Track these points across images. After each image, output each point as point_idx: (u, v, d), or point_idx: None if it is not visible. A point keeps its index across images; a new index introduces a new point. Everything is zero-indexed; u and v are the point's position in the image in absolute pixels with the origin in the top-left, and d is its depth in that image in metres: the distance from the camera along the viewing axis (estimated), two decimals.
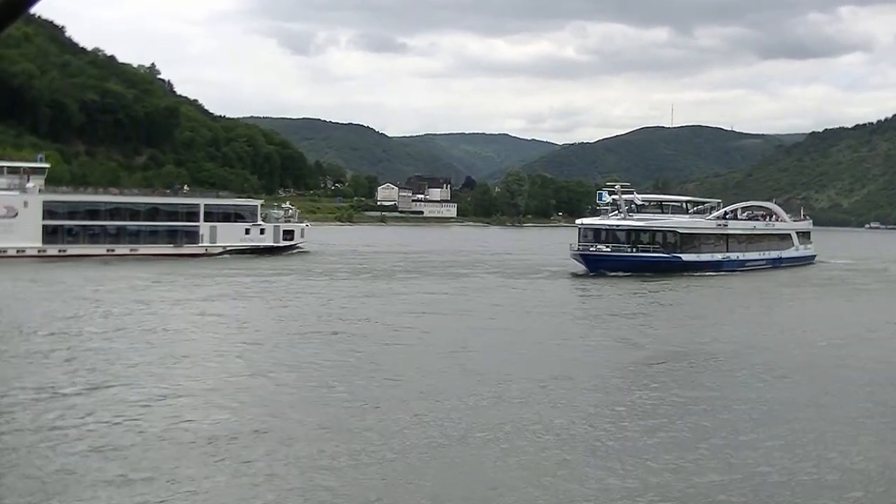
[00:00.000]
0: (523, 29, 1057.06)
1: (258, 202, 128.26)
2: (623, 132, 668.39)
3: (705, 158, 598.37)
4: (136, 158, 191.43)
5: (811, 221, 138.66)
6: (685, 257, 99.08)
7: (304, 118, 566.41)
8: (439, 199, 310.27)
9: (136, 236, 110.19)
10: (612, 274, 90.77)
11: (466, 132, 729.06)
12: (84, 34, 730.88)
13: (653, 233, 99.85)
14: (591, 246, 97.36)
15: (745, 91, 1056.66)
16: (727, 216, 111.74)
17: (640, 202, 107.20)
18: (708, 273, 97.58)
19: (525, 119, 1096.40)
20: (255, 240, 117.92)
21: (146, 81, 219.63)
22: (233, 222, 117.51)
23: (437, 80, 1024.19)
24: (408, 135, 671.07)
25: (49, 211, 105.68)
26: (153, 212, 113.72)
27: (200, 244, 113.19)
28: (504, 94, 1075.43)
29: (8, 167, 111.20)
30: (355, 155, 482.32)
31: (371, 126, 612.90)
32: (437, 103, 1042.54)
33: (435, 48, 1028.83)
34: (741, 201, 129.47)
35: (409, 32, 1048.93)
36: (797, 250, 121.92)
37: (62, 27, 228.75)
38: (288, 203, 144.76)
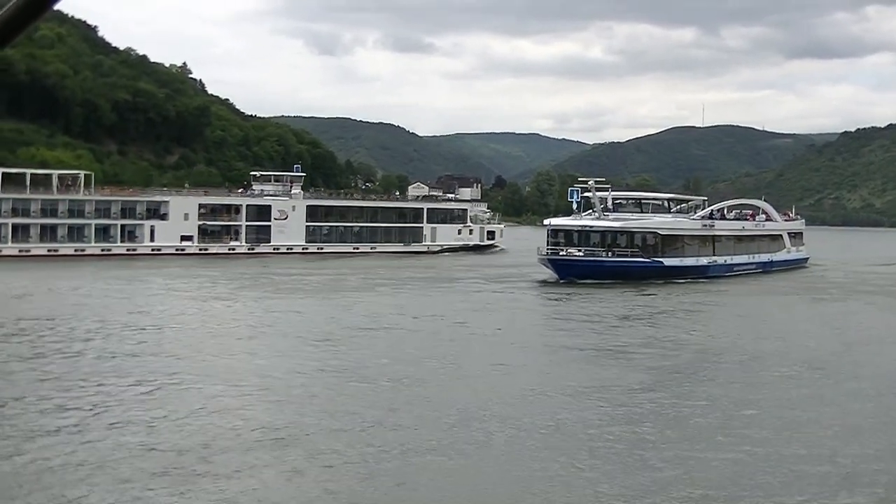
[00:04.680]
0: (547, 29, 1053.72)
1: (468, 205, 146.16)
2: (653, 132, 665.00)
3: (736, 158, 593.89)
4: (168, 158, 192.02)
5: (803, 221, 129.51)
6: (667, 262, 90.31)
7: (334, 117, 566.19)
8: (469, 198, 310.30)
9: (374, 235, 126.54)
10: (583, 281, 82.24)
11: (496, 132, 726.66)
12: (116, 34, 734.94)
13: (631, 234, 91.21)
14: (561, 249, 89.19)
15: (774, 91, 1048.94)
16: (713, 215, 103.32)
17: (609, 200, 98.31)
18: (692, 279, 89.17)
19: (552, 119, 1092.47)
20: (465, 239, 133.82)
21: (178, 81, 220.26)
22: (448, 223, 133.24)
23: (465, 80, 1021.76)
24: (438, 134, 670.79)
25: (310, 214, 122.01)
26: (387, 214, 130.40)
27: (424, 243, 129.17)
28: (531, 94, 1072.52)
29: (274, 176, 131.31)
30: (386, 154, 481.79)
31: (401, 125, 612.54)
32: (466, 103, 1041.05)
33: (459, 49, 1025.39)
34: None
35: (434, 33, 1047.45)
36: (789, 252, 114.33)
37: (95, 27, 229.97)
38: (485, 206, 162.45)
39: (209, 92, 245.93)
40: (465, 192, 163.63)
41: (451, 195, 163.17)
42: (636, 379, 38.43)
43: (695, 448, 27.81)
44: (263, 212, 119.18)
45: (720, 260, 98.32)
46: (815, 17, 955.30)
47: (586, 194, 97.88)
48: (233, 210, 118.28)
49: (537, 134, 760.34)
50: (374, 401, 33.15)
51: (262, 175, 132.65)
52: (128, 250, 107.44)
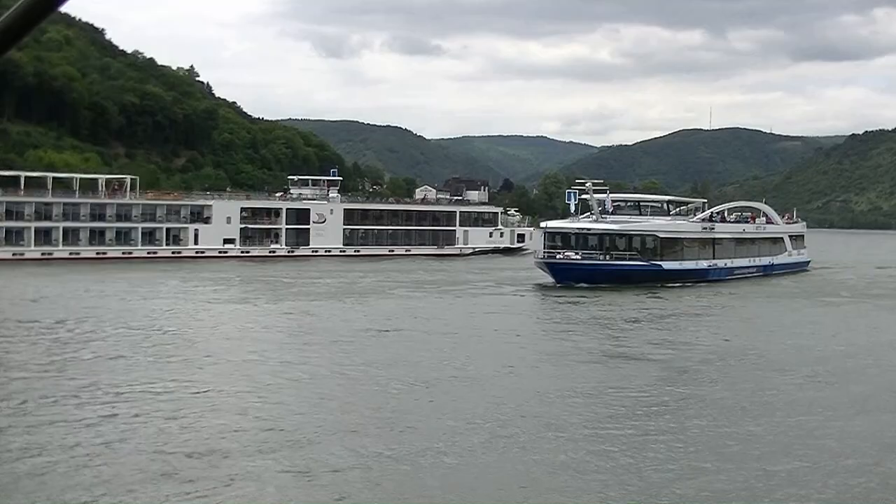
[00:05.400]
0: (555, 32, 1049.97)
1: (498, 209, 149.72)
2: (660, 134, 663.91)
3: (744, 161, 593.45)
4: (175, 160, 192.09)
5: (804, 223, 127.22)
6: (666, 265, 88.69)
7: (341, 120, 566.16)
8: (477, 200, 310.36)
9: (408, 238, 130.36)
10: (580, 285, 79.92)
11: (504, 134, 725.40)
12: (124, 37, 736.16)
13: (629, 237, 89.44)
14: (558, 253, 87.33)
15: (782, 93, 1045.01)
16: (713, 218, 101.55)
17: (607, 202, 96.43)
18: (692, 283, 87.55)
19: (560, 122, 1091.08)
20: (496, 241, 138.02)
21: (185, 84, 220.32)
22: (480, 227, 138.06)
23: (473, 83, 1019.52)
24: (445, 137, 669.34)
25: (347, 217, 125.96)
26: (421, 217, 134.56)
27: (456, 245, 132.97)
28: (539, 96, 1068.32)
29: (311, 179, 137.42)
30: (393, 157, 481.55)
31: (408, 128, 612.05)
32: (473, 105, 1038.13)
33: (468, 51, 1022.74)
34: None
35: (441, 35, 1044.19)
36: (790, 256, 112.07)
37: (102, 30, 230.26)
38: (513, 210, 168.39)
39: (216, 95, 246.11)
40: (473, 195, 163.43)
41: (458, 197, 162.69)
42: (639, 385, 38.35)
43: (705, 458, 27.75)
44: (302, 215, 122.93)
45: (720, 263, 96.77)
46: (822, 19, 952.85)
47: (584, 196, 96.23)
48: (273, 213, 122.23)
49: (545, 137, 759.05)
50: (386, 404, 33.20)
51: (299, 179, 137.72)
52: (173, 253, 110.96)
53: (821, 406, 34.91)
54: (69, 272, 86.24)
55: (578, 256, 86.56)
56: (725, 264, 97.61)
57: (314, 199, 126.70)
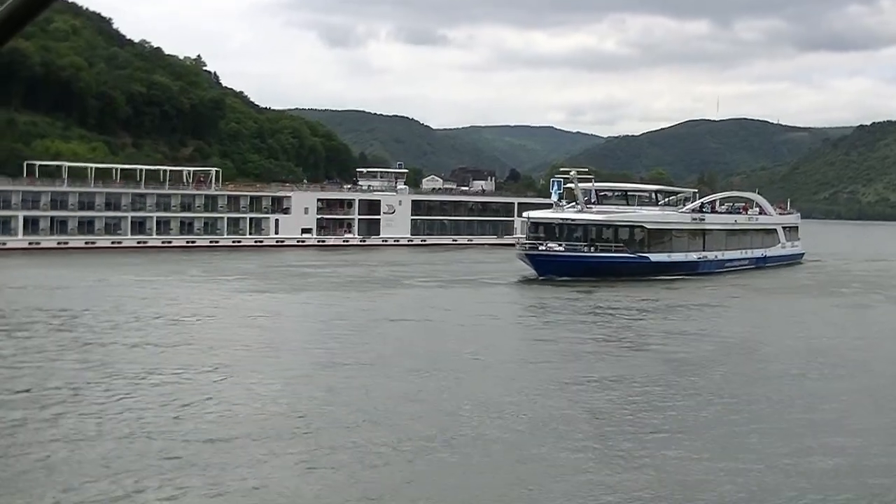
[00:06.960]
0: (561, 22, 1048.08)
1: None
2: (667, 125, 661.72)
3: (751, 152, 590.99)
4: (182, 150, 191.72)
5: (799, 214, 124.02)
6: (654, 257, 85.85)
7: (348, 110, 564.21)
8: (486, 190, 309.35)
9: (470, 228, 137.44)
10: (563, 279, 76.80)
11: (511, 124, 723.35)
12: (131, 26, 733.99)
13: (615, 228, 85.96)
14: (541, 244, 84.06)
15: (789, 84, 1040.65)
16: (703, 208, 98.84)
17: (593, 192, 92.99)
18: (681, 276, 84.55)
19: (567, 112, 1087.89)
20: None
21: (192, 73, 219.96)
22: None
23: (479, 73, 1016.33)
24: (452, 127, 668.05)
25: (414, 208, 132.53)
26: (482, 208, 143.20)
27: (514, 235, 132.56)
28: (545, 86, 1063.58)
29: (380, 172, 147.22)
30: (400, 147, 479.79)
31: (415, 118, 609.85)
32: (480, 95, 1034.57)
33: (474, 41, 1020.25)
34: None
35: (447, 25, 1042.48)
36: (783, 248, 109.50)
37: (109, 19, 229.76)
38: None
39: (223, 84, 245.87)
40: (479, 185, 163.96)
41: (465, 188, 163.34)
42: (638, 383, 38.47)
43: (721, 455, 27.87)
44: (374, 206, 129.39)
45: (710, 255, 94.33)
46: (828, 9, 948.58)
47: (568, 185, 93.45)
48: (346, 204, 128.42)
49: (552, 127, 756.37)
50: (397, 393, 33.44)
51: (368, 171, 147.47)
52: (255, 242, 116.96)
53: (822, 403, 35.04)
54: (163, 261, 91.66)
55: (562, 248, 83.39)
56: (716, 256, 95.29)
57: (383, 191, 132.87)
